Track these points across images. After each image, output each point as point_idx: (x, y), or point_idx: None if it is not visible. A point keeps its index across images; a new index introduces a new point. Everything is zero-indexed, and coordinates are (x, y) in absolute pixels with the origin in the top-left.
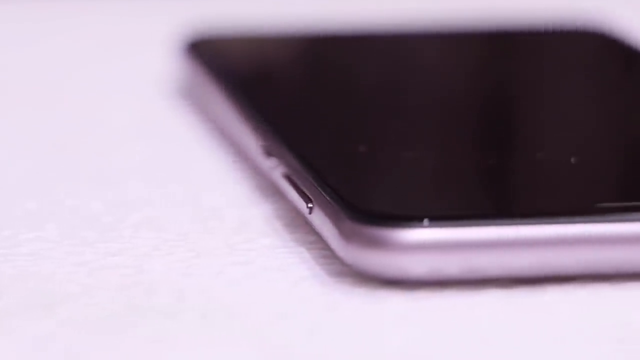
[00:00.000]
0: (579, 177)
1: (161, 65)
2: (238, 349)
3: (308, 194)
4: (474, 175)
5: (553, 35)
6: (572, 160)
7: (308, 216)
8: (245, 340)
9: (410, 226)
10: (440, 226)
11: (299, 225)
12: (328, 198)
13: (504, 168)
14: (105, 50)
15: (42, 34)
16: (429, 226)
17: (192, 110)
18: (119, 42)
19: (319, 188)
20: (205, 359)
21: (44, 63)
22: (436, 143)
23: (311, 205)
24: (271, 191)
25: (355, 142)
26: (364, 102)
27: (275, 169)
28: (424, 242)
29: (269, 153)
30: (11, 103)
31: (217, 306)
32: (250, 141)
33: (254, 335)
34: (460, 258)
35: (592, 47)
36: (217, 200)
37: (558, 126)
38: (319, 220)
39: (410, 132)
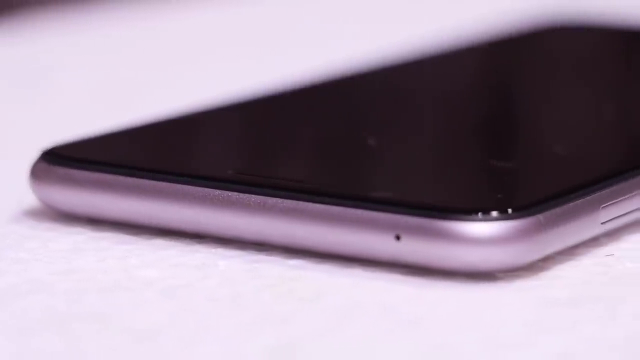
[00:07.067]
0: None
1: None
2: None
3: None
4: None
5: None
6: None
7: None
8: None
9: (58, 164)
10: (74, 167)
11: None
12: None
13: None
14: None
15: None
16: (68, 166)
17: None
18: None
19: None
20: None
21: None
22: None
23: None
24: None
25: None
26: None
27: None
28: (59, 179)
29: None
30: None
31: None
32: None
33: None
34: (81, 198)
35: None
36: None
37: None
38: None
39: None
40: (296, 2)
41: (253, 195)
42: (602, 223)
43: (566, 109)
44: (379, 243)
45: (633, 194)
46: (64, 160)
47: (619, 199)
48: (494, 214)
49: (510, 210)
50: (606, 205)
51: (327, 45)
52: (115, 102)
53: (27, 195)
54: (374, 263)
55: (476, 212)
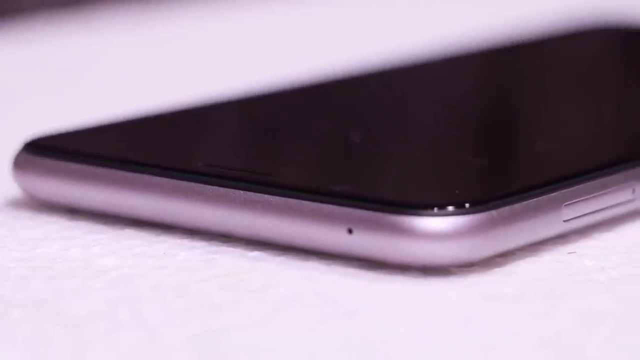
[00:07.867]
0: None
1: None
2: None
3: None
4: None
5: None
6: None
7: None
8: None
9: (40, 155)
10: (54, 158)
11: None
12: None
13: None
14: None
15: None
16: (48, 157)
17: None
18: None
19: None
20: None
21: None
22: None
23: None
24: None
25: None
26: None
27: None
28: (40, 169)
29: None
30: None
31: None
32: None
33: None
34: (60, 188)
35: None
36: None
37: None
38: None
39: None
40: (312, 3)
41: (215, 187)
42: (564, 221)
43: (558, 109)
44: (332, 236)
45: (598, 193)
46: (45, 151)
47: (582, 198)
48: (443, 208)
49: (466, 205)
50: (569, 204)
51: (369, 44)
52: (120, 105)
53: (13, 185)
54: (332, 256)
55: (426, 207)
